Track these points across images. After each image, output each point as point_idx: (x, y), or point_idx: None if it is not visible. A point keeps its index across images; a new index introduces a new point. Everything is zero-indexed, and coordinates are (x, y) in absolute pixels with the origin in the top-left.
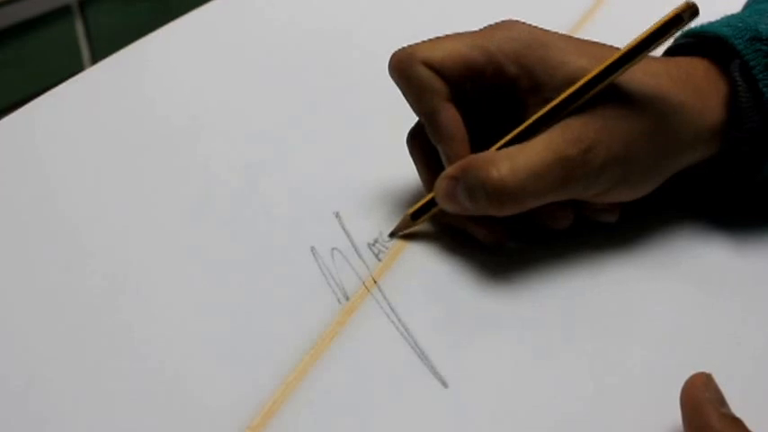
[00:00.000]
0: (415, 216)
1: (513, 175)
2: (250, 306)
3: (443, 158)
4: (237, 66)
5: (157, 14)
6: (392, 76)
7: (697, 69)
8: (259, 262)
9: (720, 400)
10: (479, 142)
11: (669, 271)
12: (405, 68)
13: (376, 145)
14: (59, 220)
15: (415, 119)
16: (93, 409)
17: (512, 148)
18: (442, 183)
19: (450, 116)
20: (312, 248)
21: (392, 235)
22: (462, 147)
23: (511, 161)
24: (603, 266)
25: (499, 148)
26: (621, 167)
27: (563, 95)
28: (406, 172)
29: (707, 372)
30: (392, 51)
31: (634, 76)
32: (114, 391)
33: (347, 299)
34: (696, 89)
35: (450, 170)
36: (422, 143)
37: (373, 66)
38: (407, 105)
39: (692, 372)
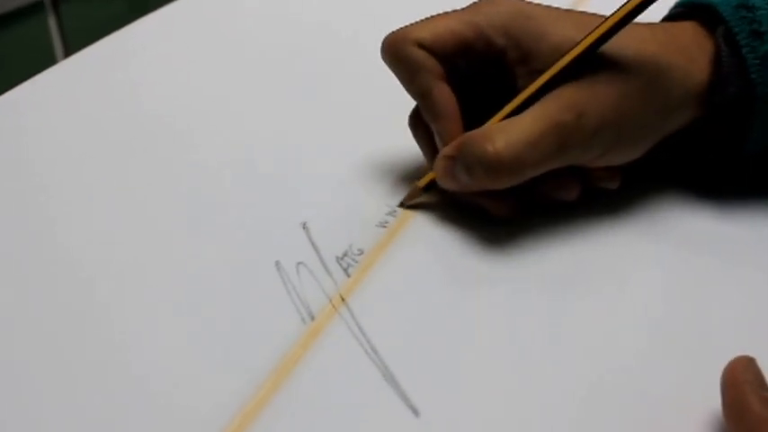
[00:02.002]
0: (427, 188)
1: (509, 147)
2: (206, 328)
3: (437, 138)
4: (211, 60)
5: (134, 11)
6: (385, 59)
7: (685, 32)
8: (217, 278)
9: (762, 384)
10: (473, 121)
11: (660, 237)
12: (398, 50)
13: (348, 149)
14: (26, 215)
15: (397, 114)
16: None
17: (505, 122)
18: (439, 163)
19: (444, 95)
20: (277, 263)
21: (401, 205)
22: (455, 125)
23: (505, 134)
24: (598, 235)
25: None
26: (614, 130)
27: (553, 69)
28: (380, 178)
29: (749, 355)
30: (367, 47)
31: (622, 42)
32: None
33: (312, 319)
34: (683, 50)
35: (446, 150)
36: (424, 123)
37: (353, 65)
38: (384, 109)
39: (685, 326)
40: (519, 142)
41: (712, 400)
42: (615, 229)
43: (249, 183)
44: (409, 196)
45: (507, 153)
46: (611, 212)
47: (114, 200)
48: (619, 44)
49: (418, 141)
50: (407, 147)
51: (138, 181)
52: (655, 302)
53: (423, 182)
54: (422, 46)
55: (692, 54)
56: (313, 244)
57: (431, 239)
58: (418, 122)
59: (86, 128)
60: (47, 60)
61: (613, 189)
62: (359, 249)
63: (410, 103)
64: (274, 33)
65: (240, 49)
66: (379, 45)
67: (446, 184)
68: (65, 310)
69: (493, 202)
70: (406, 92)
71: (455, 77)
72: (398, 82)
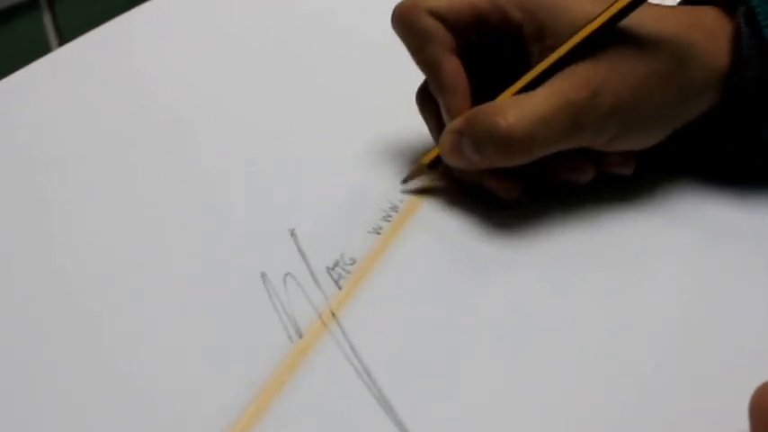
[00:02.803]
0: (432, 165)
1: (521, 122)
2: (181, 348)
3: (443, 112)
4: (208, 48)
5: (131, 8)
6: (394, 27)
7: (706, 15)
8: (195, 291)
9: None
10: (484, 99)
11: (675, 225)
12: (409, 18)
13: (341, 150)
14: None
15: (392, 112)
16: None
17: (518, 97)
18: (446, 137)
19: (453, 68)
20: (262, 274)
21: (404, 182)
22: (464, 100)
23: (518, 109)
24: (610, 222)
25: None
26: (630, 112)
27: (569, 43)
28: (373, 181)
29: None
30: (368, 40)
31: (642, 20)
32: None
33: (300, 336)
34: (705, 31)
35: (454, 123)
36: (432, 99)
37: (351, 59)
38: (380, 106)
39: (702, 317)
40: (531, 118)
41: (732, 396)
42: (628, 215)
43: (233, 185)
44: (413, 173)
45: (519, 128)
46: (624, 199)
47: (96, 198)
48: (638, 21)
49: (425, 118)
50: (402, 146)
51: (123, 178)
52: (670, 292)
53: (427, 158)
54: (435, 15)
55: (714, 35)
56: (301, 252)
57: (428, 247)
58: (426, 98)
59: (79, 117)
60: None
61: (627, 175)
62: (351, 258)
63: (408, 98)
64: (272, 23)
65: (237, 40)
66: (374, 41)
67: (452, 160)
68: (44, 314)
69: (500, 183)
70: (404, 88)
71: (467, 52)
72: (393, 80)
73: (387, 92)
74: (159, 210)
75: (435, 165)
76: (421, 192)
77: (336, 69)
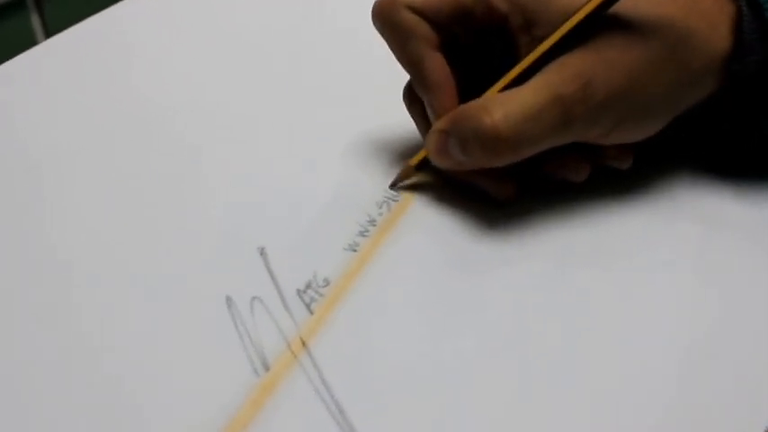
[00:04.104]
0: (420, 167)
1: (508, 120)
2: (137, 383)
3: (429, 111)
4: (196, 43)
5: None
6: (375, 24)
7: None
8: (153, 321)
9: None
10: (472, 97)
11: (674, 219)
12: (388, 14)
13: (317, 157)
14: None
15: (371, 120)
16: None
17: (504, 93)
18: (432, 138)
19: (437, 65)
20: (228, 299)
21: (393, 186)
22: (449, 98)
23: (504, 106)
24: (607, 217)
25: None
26: (625, 102)
27: (557, 33)
28: (349, 192)
29: None
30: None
31: (636, 3)
32: None
33: (266, 369)
34: (704, 15)
35: (439, 123)
36: (419, 97)
37: (328, 67)
38: (357, 117)
39: (704, 311)
40: (518, 115)
41: (732, 393)
42: (625, 209)
43: (200, 195)
44: (401, 176)
45: (505, 126)
46: (622, 192)
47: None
48: (631, 6)
49: (414, 117)
50: (382, 152)
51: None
52: (668, 287)
53: (414, 160)
54: (414, 10)
55: (713, 19)
56: (271, 273)
57: (408, 265)
58: (413, 96)
59: (59, 112)
60: None
61: (624, 169)
62: (324, 279)
63: (388, 100)
64: (260, 19)
65: (223, 36)
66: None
67: (439, 161)
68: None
69: (492, 183)
70: (385, 89)
71: (452, 47)
72: (375, 81)
73: (369, 94)
74: (128, 236)
75: (423, 166)
76: (411, 188)
77: (330, 68)
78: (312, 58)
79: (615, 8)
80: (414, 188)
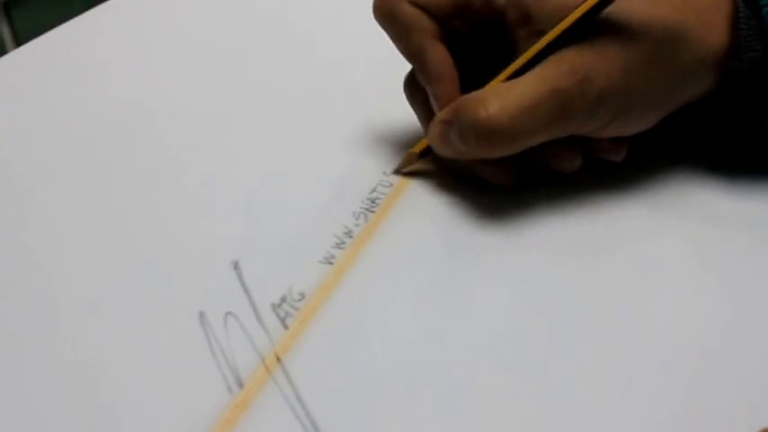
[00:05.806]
0: (423, 154)
1: (503, 112)
2: (111, 400)
3: (432, 101)
4: (170, 47)
5: None
6: (376, 18)
7: None
8: (125, 336)
9: None
10: (472, 85)
11: (668, 212)
12: (389, 8)
13: (289, 171)
14: None
15: (354, 124)
16: None
17: (502, 85)
18: (435, 128)
19: (439, 55)
20: (201, 314)
21: (396, 172)
22: (452, 87)
23: (501, 98)
24: (604, 207)
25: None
26: (621, 98)
27: (556, 28)
28: (326, 200)
29: None
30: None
31: (631, 2)
32: None
33: (240, 386)
34: (700, 12)
35: (442, 113)
36: (421, 88)
37: (310, 72)
38: (332, 127)
39: (701, 302)
40: (515, 108)
41: (733, 389)
42: (623, 201)
43: (171, 214)
44: (404, 163)
45: (501, 119)
46: (620, 186)
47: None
48: (629, 3)
49: (415, 108)
50: (357, 166)
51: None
52: (666, 279)
53: (417, 147)
54: (414, 3)
55: (709, 17)
56: (245, 288)
57: (385, 277)
58: (414, 87)
59: (30, 117)
60: None
61: (618, 161)
62: (299, 293)
63: (365, 112)
64: (226, 31)
65: (198, 38)
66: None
67: (441, 150)
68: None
69: (492, 170)
70: (378, 86)
71: (453, 40)
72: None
73: (348, 101)
74: (97, 245)
75: (425, 154)
76: (409, 174)
77: (304, 70)
78: (283, 72)
79: (613, 6)
80: (413, 174)
